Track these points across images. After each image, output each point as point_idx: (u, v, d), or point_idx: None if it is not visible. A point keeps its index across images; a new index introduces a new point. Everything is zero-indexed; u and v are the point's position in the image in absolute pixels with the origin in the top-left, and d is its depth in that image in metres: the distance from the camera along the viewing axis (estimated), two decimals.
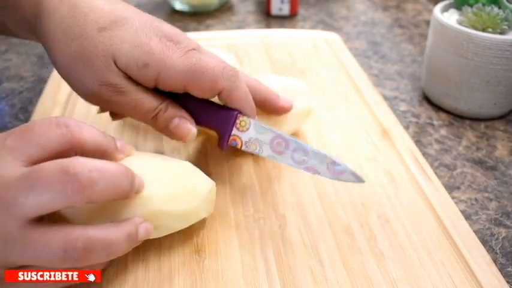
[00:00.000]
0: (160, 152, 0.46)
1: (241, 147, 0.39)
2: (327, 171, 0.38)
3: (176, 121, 0.37)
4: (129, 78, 0.36)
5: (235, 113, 0.38)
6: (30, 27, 0.39)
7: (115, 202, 0.32)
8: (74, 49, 0.36)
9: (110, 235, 0.30)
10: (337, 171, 0.37)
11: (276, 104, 0.42)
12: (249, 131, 0.38)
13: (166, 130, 0.38)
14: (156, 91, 0.38)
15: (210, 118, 0.39)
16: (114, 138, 0.34)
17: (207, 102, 0.39)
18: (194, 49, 0.36)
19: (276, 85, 0.45)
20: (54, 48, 0.37)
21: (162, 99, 0.37)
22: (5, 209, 0.27)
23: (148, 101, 0.37)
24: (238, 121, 0.38)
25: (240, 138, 0.39)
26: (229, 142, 0.39)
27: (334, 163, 0.37)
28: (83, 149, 0.31)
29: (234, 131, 0.38)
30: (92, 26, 0.36)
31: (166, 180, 0.34)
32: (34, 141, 0.29)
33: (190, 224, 0.36)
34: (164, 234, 0.35)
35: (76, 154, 0.30)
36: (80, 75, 0.36)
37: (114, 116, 0.41)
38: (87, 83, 0.36)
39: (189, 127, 0.38)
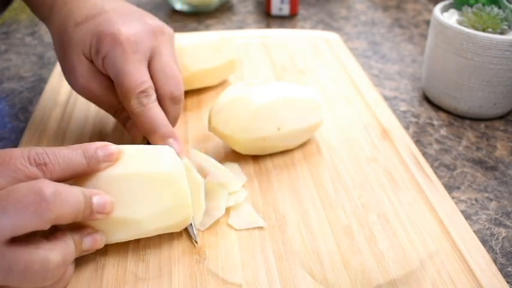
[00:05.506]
0: None
1: None
2: None
3: (130, 123, 0.43)
4: (99, 72, 0.40)
5: None
6: (45, 15, 0.43)
7: (108, 224, 0.33)
8: (58, 43, 0.40)
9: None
10: None
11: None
12: None
13: (125, 127, 0.44)
14: None
15: None
16: (98, 147, 0.33)
17: None
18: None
19: (291, 95, 0.44)
20: (53, 39, 0.42)
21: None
22: None
23: (109, 99, 0.41)
24: None
25: None
26: None
27: None
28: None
29: None
30: (71, 21, 0.39)
31: (148, 198, 0.33)
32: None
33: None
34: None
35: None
36: (63, 67, 0.41)
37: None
38: (66, 74, 0.40)
39: (137, 134, 0.43)
